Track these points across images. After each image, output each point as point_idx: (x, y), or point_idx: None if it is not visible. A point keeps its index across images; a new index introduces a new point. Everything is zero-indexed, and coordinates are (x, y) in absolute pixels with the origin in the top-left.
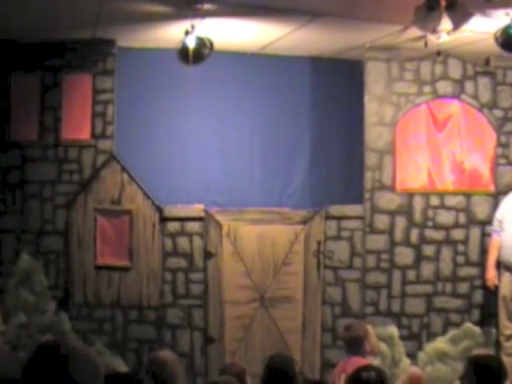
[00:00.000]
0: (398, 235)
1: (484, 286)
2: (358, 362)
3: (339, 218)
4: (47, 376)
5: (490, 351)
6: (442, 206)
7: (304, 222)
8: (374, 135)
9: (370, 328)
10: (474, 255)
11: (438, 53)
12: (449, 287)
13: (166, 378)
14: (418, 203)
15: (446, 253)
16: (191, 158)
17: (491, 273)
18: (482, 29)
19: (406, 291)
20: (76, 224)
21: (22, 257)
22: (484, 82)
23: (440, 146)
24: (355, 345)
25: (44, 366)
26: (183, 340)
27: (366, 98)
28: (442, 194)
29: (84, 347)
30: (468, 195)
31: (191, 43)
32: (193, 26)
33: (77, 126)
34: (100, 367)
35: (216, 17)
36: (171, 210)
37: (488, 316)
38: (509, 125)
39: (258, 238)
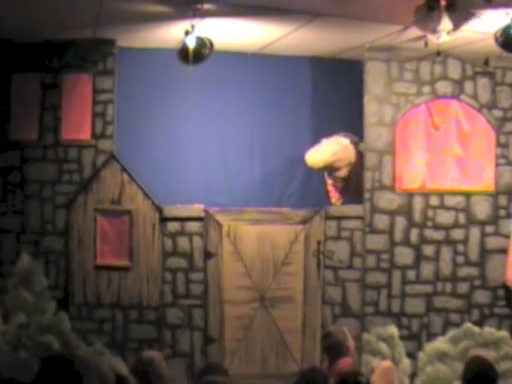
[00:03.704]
0: (398, 235)
1: (483, 286)
2: (341, 362)
3: (339, 218)
4: None
5: (489, 352)
6: (442, 206)
7: (304, 221)
8: (374, 135)
9: (345, 330)
10: (473, 255)
11: (438, 53)
12: (449, 287)
13: (153, 376)
14: (418, 203)
15: (446, 253)
16: (191, 158)
17: (509, 273)
18: (481, 29)
19: (406, 291)
20: (76, 224)
21: (22, 257)
22: (483, 82)
23: (439, 146)
24: (338, 350)
25: (55, 379)
26: (183, 340)
27: (366, 98)
28: (441, 194)
29: (95, 359)
30: (468, 195)
31: (191, 43)
32: (193, 26)
33: (77, 126)
34: (111, 378)
35: (216, 17)
36: (171, 210)
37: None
38: (508, 125)
39: (258, 238)
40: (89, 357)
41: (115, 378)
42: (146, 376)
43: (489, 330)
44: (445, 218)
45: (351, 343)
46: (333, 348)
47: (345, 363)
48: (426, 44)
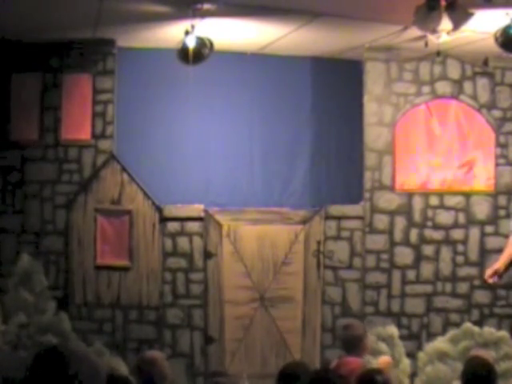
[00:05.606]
0: (398, 235)
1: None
2: (353, 362)
3: (339, 218)
4: (49, 380)
5: (489, 352)
6: (442, 206)
7: (304, 221)
8: (374, 135)
9: (366, 328)
10: (473, 255)
11: (438, 53)
12: (448, 287)
13: (155, 376)
14: (418, 203)
15: (446, 253)
16: (191, 158)
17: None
18: (481, 29)
19: (406, 291)
20: (76, 224)
21: (22, 257)
22: (483, 82)
23: (439, 146)
24: (354, 344)
25: (45, 370)
26: (183, 340)
27: (366, 98)
28: (441, 194)
29: (85, 350)
30: (467, 195)
31: (191, 43)
32: (193, 26)
33: (77, 126)
34: (101, 369)
35: (216, 17)
36: (171, 210)
37: None
38: (507, 125)
39: (258, 238)
40: (79, 348)
41: (118, 379)
42: (148, 376)
43: (489, 330)
44: (444, 217)
45: (369, 341)
46: (349, 342)
47: (356, 364)
48: (425, 44)
